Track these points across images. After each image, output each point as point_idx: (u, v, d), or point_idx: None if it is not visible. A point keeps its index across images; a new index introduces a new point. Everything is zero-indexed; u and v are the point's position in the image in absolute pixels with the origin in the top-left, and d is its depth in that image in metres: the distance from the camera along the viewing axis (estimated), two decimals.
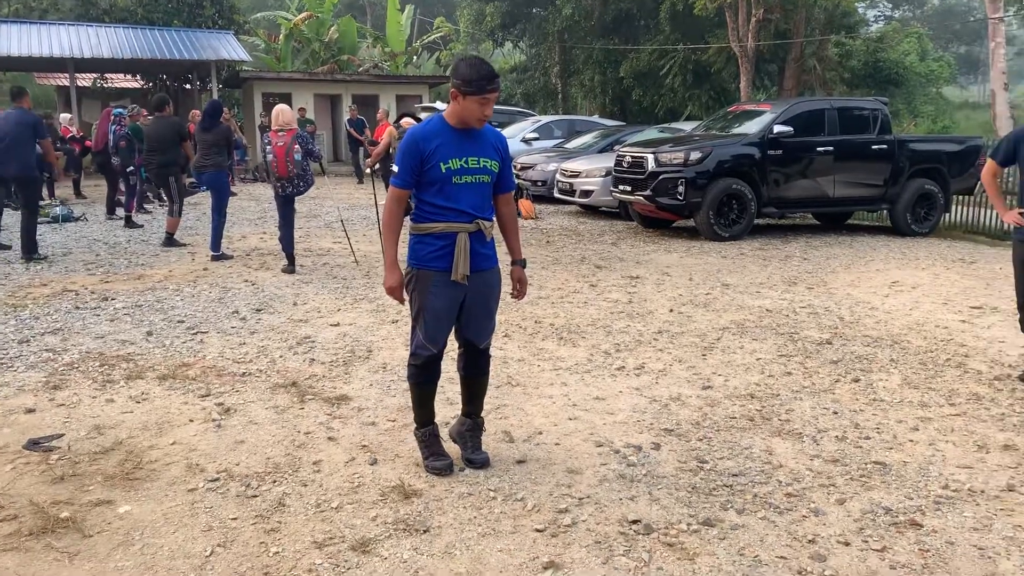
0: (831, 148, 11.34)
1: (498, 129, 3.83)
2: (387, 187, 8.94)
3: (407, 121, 8.84)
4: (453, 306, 3.55)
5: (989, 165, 5.37)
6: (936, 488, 3.63)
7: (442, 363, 3.72)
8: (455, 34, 36.65)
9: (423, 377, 3.69)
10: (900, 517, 3.35)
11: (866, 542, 3.15)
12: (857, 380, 5.14)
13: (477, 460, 3.77)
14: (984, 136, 14.30)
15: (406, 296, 3.60)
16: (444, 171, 3.41)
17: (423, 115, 20.01)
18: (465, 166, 3.44)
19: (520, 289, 3.78)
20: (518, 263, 3.77)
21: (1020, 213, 5.07)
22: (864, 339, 6.09)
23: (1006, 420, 4.47)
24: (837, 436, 4.22)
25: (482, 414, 3.90)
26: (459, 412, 3.96)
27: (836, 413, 4.55)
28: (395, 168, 3.50)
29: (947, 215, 12.43)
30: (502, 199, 3.68)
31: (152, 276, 8.17)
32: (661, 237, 11.54)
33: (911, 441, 4.17)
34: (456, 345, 3.78)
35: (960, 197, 12.56)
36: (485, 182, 3.52)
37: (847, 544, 3.14)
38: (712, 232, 10.93)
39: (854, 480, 3.70)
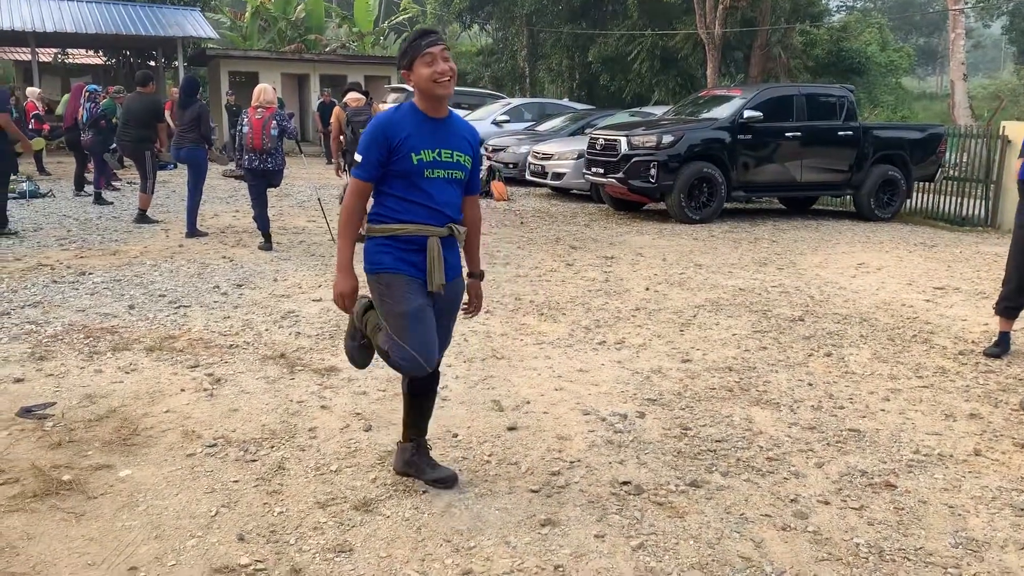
0: (799, 133, 11.57)
1: (468, 121, 3.35)
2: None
3: (353, 97, 8.64)
4: (431, 312, 3.10)
5: (1018, 164, 5.60)
6: (908, 453, 3.81)
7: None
8: (422, 16, 36.44)
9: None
10: (875, 479, 3.53)
11: (844, 501, 3.32)
12: (829, 354, 5.33)
13: (445, 475, 3.33)
14: (945, 124, 14.66)
15: (355, 309, 3.19)
16: (416, 163, 2.96)
17: (392, 96, 19.98)
18: (438, 159, 3.01)
19: (476, 304, 3.35)
20: (475, 276, 3.32)
21: None
22: (834, 316, 6.29)
23: (971, 391, 4.69)
24: (813, 406, 4.40)
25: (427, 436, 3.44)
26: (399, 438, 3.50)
27: (811, 385, 4.73)
28: (357, 158, 3.03)
29: (908, 201, 12.76)
30: (469, 201, 3.25)
31: (128, 252, 8.12)
32: (633, 219, 11.70)
33: (882, 410, 4.36)
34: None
35: (921, 184, 12.89)
36: (458, 179, 3.10)
37: (827, 503, 3.31)
38: (683, 215, 11.11)
39: (831, 446, 3.88)
